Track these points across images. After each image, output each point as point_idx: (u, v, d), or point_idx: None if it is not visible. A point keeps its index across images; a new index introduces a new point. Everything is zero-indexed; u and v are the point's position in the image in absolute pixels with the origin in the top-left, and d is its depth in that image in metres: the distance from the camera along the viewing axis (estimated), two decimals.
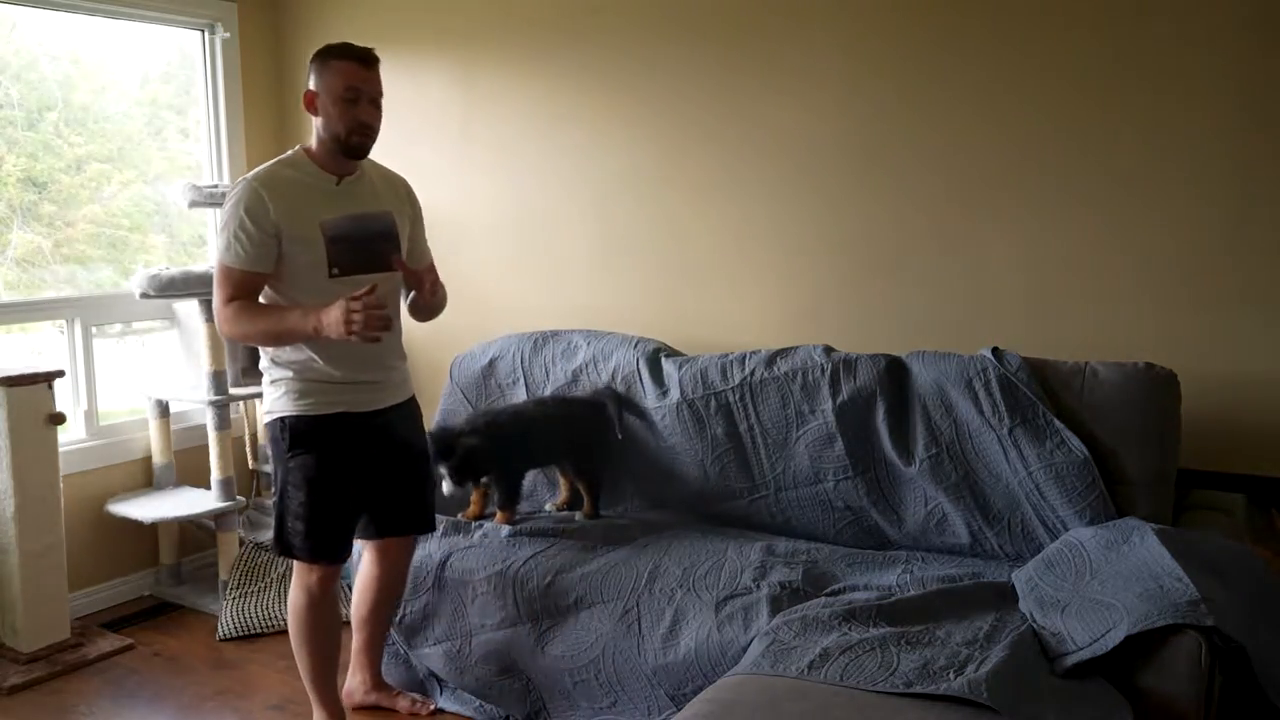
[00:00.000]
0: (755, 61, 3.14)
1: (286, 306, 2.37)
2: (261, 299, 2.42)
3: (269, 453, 2.55)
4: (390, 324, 2.30)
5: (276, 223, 2.33)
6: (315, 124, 2.41)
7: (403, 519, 2.64)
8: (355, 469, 2.47)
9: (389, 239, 2.46)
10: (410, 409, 2.63)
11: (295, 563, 2.52)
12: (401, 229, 2.52)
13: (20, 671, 3.08)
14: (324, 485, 2.44)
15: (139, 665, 3.20)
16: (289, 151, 2.47)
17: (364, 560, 2.70)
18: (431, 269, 2.61)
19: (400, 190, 2.59)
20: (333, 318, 2.24)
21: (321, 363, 2.41)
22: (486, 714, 2.74)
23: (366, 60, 2.38)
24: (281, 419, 2.44)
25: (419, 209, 2.64)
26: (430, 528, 2.71)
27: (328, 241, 2.37)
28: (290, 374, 2.43)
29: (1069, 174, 2.77)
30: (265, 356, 2.48)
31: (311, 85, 2.39)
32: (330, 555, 2.49)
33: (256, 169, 2.42)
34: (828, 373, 2.77)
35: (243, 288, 2.37)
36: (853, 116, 3.03)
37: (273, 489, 2.53)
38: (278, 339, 2.38)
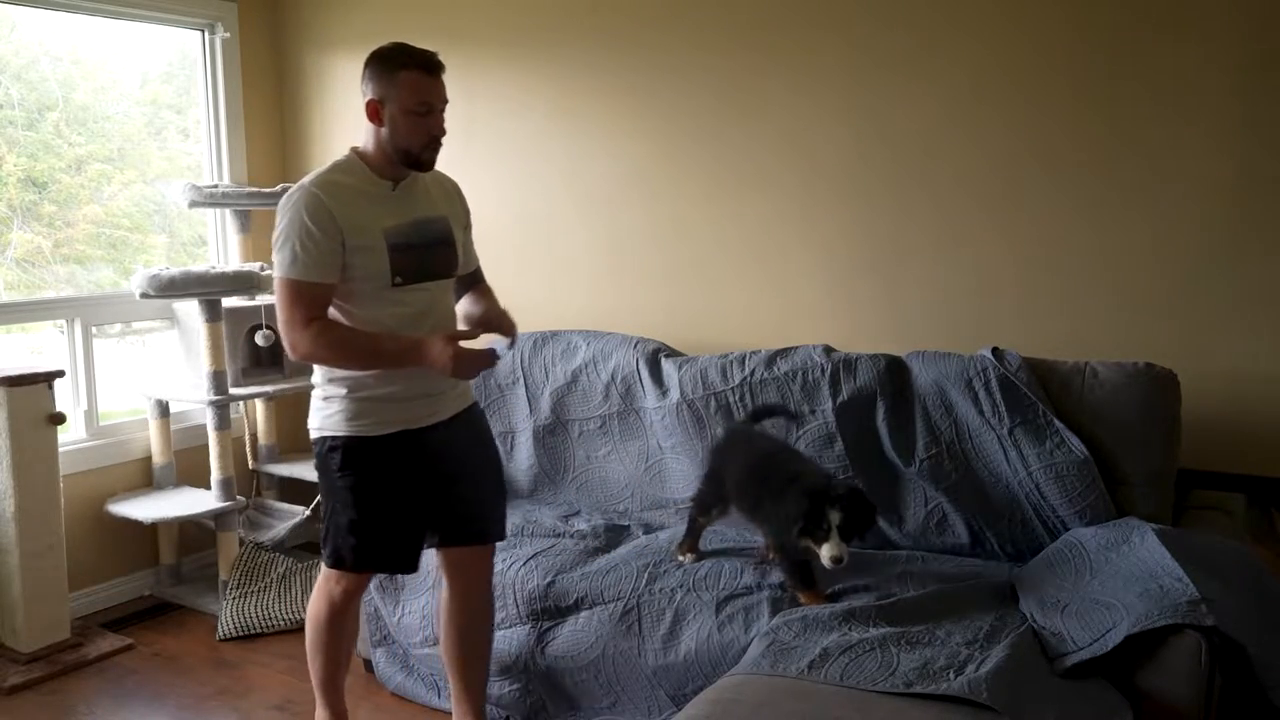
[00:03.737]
0: (757, 61, 3.15)
1: (378, 335, 2.24)
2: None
3: (316, 467, 2.40)
4: (494, 361, 2.23)
5: (341, 229, 2.19)
6: (376, 132, 2.25)
7: (473, 528, 2.49)
8: (412, 485, 2.36)
9: (447, 245, 2.36)
10: (471, 416, 2.49)
11: (322, 571, 2.42)
12: (455, 234, 2.40)
13: (20, 671, 3.08)
14: (378, 503, 2.33)
15: (139, 665, 3.20)
16: (340, 157, 2.31)
17: (442, 587, 2.53)
18: (479, 277, 2.53)
19: (452, 193, 2.46)
20: (437, 352, 2.16)
21: (376, 379, 2.29)
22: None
23: (434, 69, 2.24)
24: (333, 438, 2.31)
25: (469, 212, 2.50)
26: (502, 535, 2.55)
27: (391, 249, 2.24)
28: (344, 391, 2.30)
29: (1070, 174, 2.77)
30: (319, 373, 2.34)
31: (372, 93, 2.23)
32: (389, 566, 2.42)
33: (309, 176, 2.26)
34: (828, 373, 2.77)
35: (317, 304, 2.21)
36: (853, 117, 3.03)
37: (321, 504, 2.43)
38: (370, 367, 2.25)
